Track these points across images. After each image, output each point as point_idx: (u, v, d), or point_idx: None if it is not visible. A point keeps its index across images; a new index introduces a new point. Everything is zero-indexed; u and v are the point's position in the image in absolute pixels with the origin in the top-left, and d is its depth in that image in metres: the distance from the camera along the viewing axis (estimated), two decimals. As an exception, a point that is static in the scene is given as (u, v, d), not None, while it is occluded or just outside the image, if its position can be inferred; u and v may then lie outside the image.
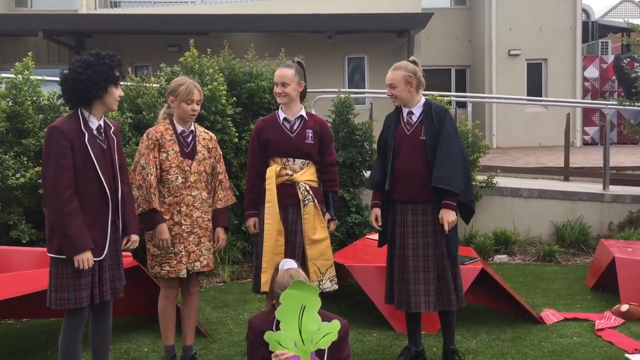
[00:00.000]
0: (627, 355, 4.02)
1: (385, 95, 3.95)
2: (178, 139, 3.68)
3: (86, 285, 3.03)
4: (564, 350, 4.14)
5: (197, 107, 3.72)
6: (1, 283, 3.76)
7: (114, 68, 3.10)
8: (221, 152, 3.91)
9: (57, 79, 3.14)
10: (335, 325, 2.62)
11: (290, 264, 2.92)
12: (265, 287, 3.66)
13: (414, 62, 3.82)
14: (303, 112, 3.89)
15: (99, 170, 3.04)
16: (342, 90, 7.95)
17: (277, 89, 3.84)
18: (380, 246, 3.93)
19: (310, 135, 3.83)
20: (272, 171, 3.78)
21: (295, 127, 3.84)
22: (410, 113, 3.80)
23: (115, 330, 4.09)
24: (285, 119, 3.85)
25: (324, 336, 2.61)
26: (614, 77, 16.10)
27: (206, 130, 3.89)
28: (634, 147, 13.89)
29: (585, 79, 16.04)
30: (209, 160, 3.77)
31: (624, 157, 11.64)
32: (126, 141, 5.97)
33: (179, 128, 3.71)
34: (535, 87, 15.87)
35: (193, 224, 3.66)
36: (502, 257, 7.04)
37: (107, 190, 3.08)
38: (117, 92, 3.14)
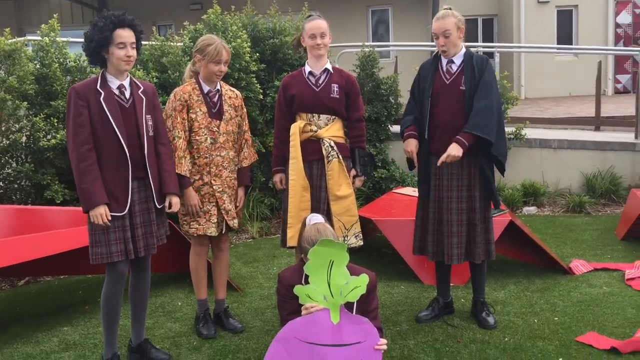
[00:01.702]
0: (657, 304, 4.00)
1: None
2: (205, 99, 3.68)
3: (116, 241, 3.12)
4: (593, 300, 4.14)
5: (225, 68, 3.70)
6: (38, 242, 3.87)
7: (108, 30, 3.07)
8: (246, 110, 3.92)
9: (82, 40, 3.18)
10: (364, 279, 2.65)
11: (317, 218, 2.94)
12: (291, 242, 3.71)
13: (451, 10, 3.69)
14: (329, 66, 3.84)
15: (116, 128, 3.09)
16: (366, 44, 7.83)
17: (316, 41, 3.73)
18: (422, 198, 3.84)
19: (335, 89, 3.79)
20: (295, 127, 3.77)
21: (320, 81, 3.80)
22: (451, 62, 3.69)
23: (150, 286, 4.21)
24: (310, 72, 3.82)
25: (352, 289, 2.65)
26: (648, 22, 15.53)
27: (232, 89, 3.88)
28: (669, 95, 13.48)
29: (617, 25, 15.48)
30: (235, 119, 3.79)
31: (657, 105, 11.31)
32: (152, 101, 6.00)
33: (206, 88, 3.70)
34: (565, 35, 15.39)
35: (223, 183, 3.70)
36: (530, 209, 6.99)
37: (126, 148, 3.12)
38: (121, 52, 3.10)
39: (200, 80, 3.70)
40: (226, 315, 3.92)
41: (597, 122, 8.80)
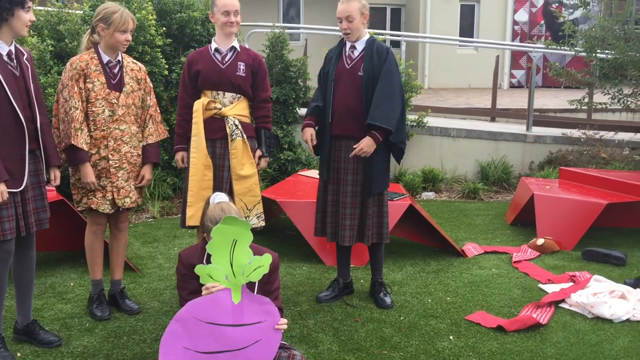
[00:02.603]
0: (540, 285, 4.29)
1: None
2: (104, 69, 3.51)
3: (8, 218, 2.93)
4: (483, 281, 4.38)
5: (130, 37, 3.55)
6: None
7: None
8: (152, 85, 3.78)
9: None
10: (267, 258, 2.64)
11: (221, 197, 2.89)
12: (190, 222, 3.63)
13: None
14: (236, 44, 3.78)
15: (11, 98, 2.89)
16: (277, 25, 7.77)
17: (229, 19, 3.64)
18: (322, 180, 3.89)
19: (242, 68, 3.73)
20: (199, 104, 3.67)
21: (226, 59, 3.73)
22: (353, 47, 3.76)
23: (40, 265, 3.99)
24: (216, 49, 3.73)
25: (255, 269, 2.63)
26: (542, 22, 16.46)
27: (135, 61, 3.73)
28: (558, 90, 14.42)
29: (515, 22, 16.32)
30: (138, 92, 3.63)
31: (547, 99, 12.08)
32: (47, 70, 5.67)
33: (105, 58, 3.53)
34: (467, 28, 16.05)
35: (121, 159, 3.55)
36: (429, 194, 7.26)
37: (23, 119, 2.94)
38: (27, 16, 2.94)
39: (100, 50, 3.52)
40: (122, 296, 3.79)
41: (493, 113, 9.26)
